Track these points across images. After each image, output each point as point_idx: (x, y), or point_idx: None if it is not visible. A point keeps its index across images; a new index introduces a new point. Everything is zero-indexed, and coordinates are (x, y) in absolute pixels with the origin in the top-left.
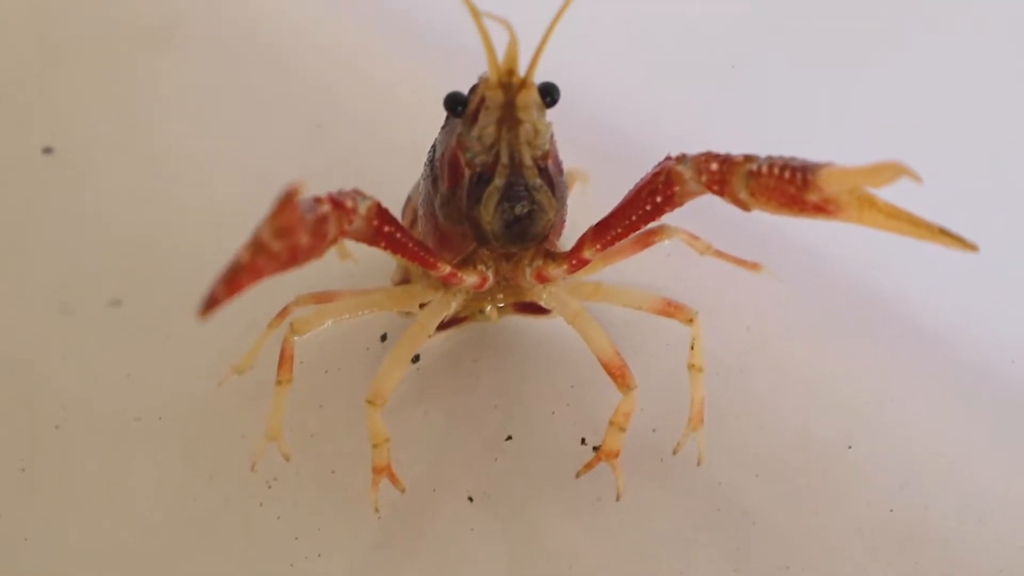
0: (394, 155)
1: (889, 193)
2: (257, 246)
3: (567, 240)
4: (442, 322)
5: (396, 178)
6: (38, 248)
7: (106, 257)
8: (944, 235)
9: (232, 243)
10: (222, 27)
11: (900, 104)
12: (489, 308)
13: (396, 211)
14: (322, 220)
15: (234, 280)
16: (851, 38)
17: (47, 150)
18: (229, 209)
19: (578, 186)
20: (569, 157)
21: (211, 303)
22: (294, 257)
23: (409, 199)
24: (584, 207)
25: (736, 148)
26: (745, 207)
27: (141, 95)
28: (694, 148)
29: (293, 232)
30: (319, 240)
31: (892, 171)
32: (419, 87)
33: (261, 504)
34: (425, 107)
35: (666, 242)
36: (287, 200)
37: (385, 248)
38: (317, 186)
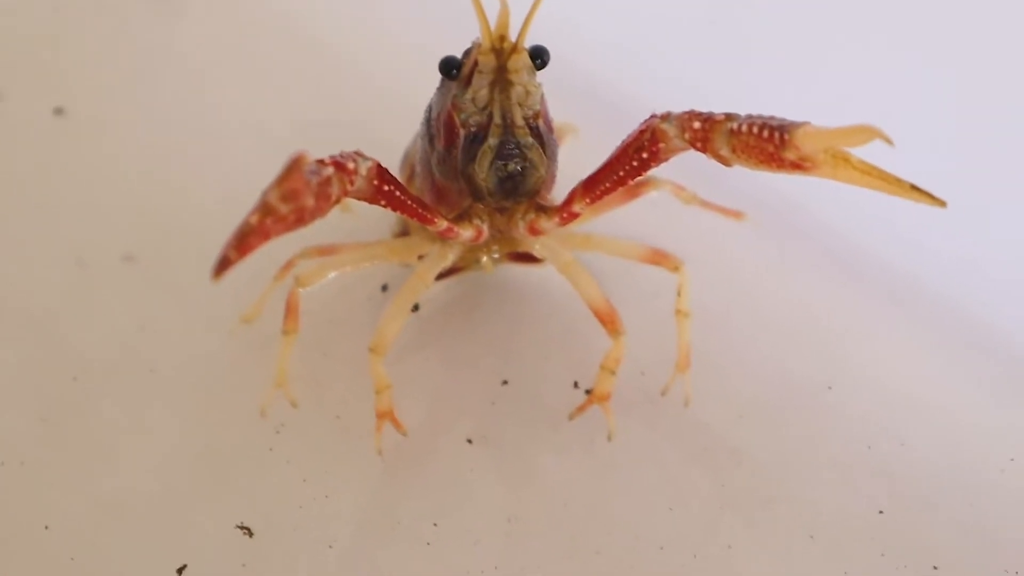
0: (392, 111)
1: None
2: (265, 209)
3: (559, 192)
4: (440, 272)
5: (393, 133)
6: (53, 205)
7: (119, 214)
8: (915, 191)
9: (238, 199)
10: None
11: (879, 60)
12: (485, 259)
13: (394, 166)
14: (326, 182)
15: (244, 242)
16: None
17: (58, 111)
18: (235, 166)
19: (568, 140)
20: (559, 112)
21: (224, 264)
22: (300, 218)
23: (407, 155)
24: (573, 160)
25: (716, 102)
26: (726, 163)
27: (150, 56)
28: (676, 103)
29: (299, 195)
30: (323, 201)
31: (866, 134)
32: (416, 46)
33: (271, 449)
34: (421, 65)
35: (653, 193)
36: (294, 166)
37: (385, 206)
38: (319, 141)
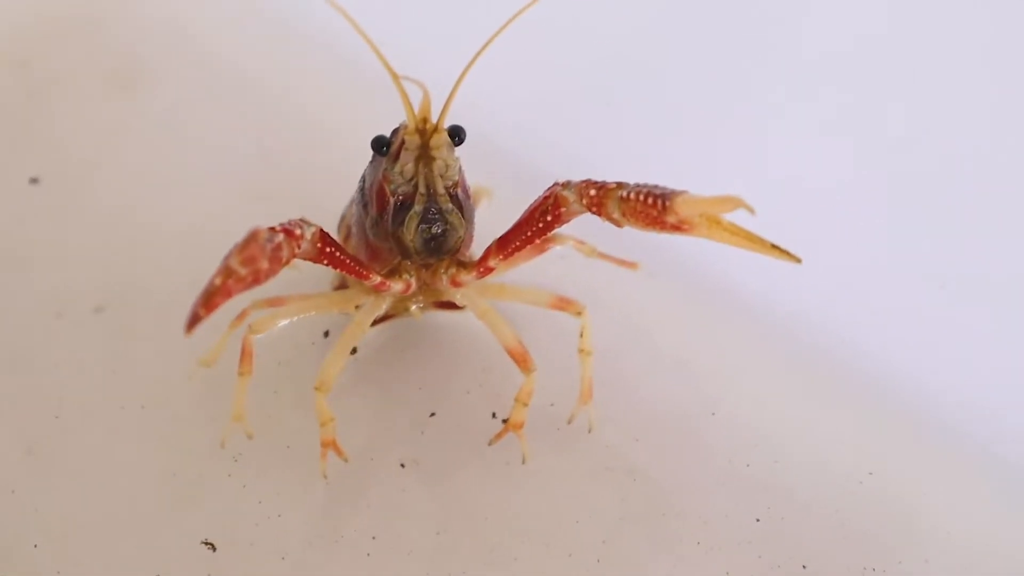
0: (328, 176)
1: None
2: (227, 272)
3: (477, 247)
4: (375, 319)
5: (330, 196)
6: (33, 264)
7: (90, 271)
8: (775, 249)
9: (195, 256)
10: (181, 69)
11: (760, 134)
12: (413, 307)
13: (332, 226)
14: (278, 247)
15: (210, 300)
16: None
17: (33, 180)
18: (192, 227)
19: (484, 202)
20: (476, 177)
21: (194, 320)
22: (257, 279)
23: (343, 217)
24: (489, 219)
25: (610, 172)
26: (618, 224)
27: (113, 129)
28: (576, 172)
29: (256, 260)
30: (276, 263)
31: (732, 203)
32: (348, 118)
33: (229, 475)
34: (354, 135)
35: (558, 247)
36: (252, 238)
37: (327, 264)
38: (265, 204)
